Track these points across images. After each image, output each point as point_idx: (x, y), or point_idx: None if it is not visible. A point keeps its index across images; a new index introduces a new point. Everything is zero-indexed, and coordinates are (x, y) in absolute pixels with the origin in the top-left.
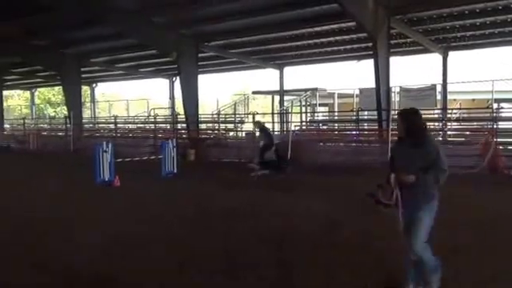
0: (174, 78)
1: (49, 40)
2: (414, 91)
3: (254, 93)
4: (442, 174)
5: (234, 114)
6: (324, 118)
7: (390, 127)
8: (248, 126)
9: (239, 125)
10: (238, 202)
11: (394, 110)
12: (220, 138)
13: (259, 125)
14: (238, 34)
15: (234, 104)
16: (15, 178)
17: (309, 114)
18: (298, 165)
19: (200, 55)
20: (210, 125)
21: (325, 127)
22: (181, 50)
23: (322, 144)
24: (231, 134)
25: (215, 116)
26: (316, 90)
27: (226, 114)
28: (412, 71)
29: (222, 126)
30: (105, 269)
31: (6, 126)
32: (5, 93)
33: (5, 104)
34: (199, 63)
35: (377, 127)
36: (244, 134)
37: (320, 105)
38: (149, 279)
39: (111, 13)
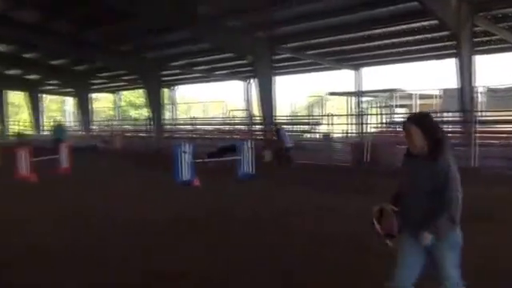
0: (250, 80)
1: (131, 46)
2: (501, 91)
3: (329, 94)
4: (454, 204)
5: (310, 116)
6: (403, 119)
7: (475, 129)
8: (324, 128)
9: (315, 126)
10: (313, 204)
11: (480, 111)
12: (296, 139)
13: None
14: (313, 36)
15: (310, 105)
16: (101, 177)
17: (387, 116)
18: (376, 167)
19: (275, 57)
20: (286, 126)
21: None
22: (256, 53)
23: (400, 146)
24: (307, 135)
25: (291, 117)
26: (394, 90)
27: (301, 116)
28: (498, 70)
29: (298, 127)
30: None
31: (94, 127)
32: (92, 96)
33: (92, 106)
34: (274, 65)
35: (460, 129)
36: (320, 136)
37: (399, 106)
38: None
39: (189, 19)
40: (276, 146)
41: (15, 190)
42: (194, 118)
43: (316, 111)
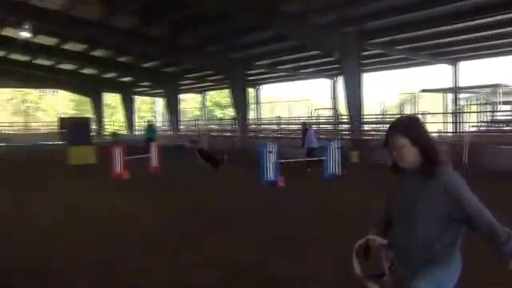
0: (336, 78)
1: (219, 46)
2: None
3: (422, 91)
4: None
5: (401, 114)
6: (508, 117)
7: None
8: None
9: None
10: None
11: None
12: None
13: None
14: (404, 29)
15: (401, 104)
16: (189, 176)
17: (488, 114)
18: (475, 169)
19: (363, 53)
20: (375, 125)
21: (509, 128)
22: (343, 50)
23: (504, 147)
24: None
25: (380, 116)
26: (498, 86)
27: (391, 114)
28: None
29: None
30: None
31: (181, 127)
32: (180, 96)
33: (180, 107)
34: (362, 61)
35: None
36: None
37: (502, 103)
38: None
39: (275, 17)
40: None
41: (113, 187)
42: (278, 117)
43: (408, 109)
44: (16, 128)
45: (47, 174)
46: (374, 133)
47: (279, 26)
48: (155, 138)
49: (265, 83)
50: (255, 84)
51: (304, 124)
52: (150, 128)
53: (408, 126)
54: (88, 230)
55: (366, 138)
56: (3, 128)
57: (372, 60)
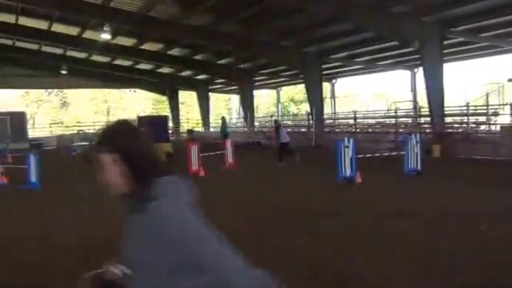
0: (416, 69)
1: (293, 41)
2: None
3: (509, 80)
4: None
5: (487, 106)
6: None
7: None
8: (504, 119)
9: (492, 117)
10: (491, 206)
11: None
12: (470, 132)
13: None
14: (490, 15)
15: (486, 94)
16: (265, 173)
17: None
18: None
19: (445, 42)
20: (458, 118)
21: None
22: (423, 39)
23: None
24: (483, 127)
25: (463, 108)
26: None
27: (476, 106)
28: None
29: (472, 118)
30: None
31: (256, 123)
32: (254, 92)
33: (254, 103)
34: (444, 51)
35: None
36: (499, 128)
37: None
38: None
39: (352, 8)
40: (276, 143)
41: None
42: (355, 111)
43: (494, 100)
44: (98, 127)
45: None
46: (457, 126)
47: (356, 17)
48: (227, 132)
49: (340, 77)
50: (331, 78)
51: (276, 121)
52: (224, 123)
53: (111, 135)
54: None
55: (448, 130)
56: (86, 127)
57: (454, 49)
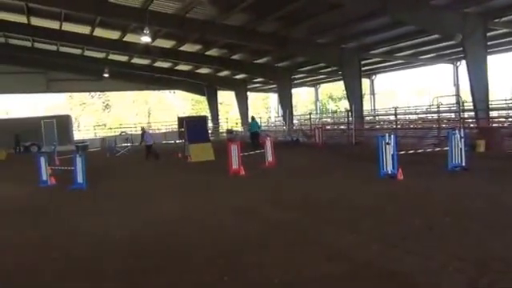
0: (459, 63)
1: (331, 37)
2: None
3: None
4: None
5: None
6: None
7: None
8: None
9: None
10: None
11: None
12: None
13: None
14: None
15: None
16: (305, 171)
17: None
18: None
19: (489, 34)
20: (504, 112)
21: None
22: (466, 31)
23: None
24: None
25: (510, 101)
26: None
27: None
28: None
29: None
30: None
31: (295, 121)
32: (293, 90)
33: (293, 101)
34: (488, 43)
35: None
36: None
37: None
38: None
39: (390, 2)
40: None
41: (231, 183)
42: (395, 107)
43: None
44: (139, 128)
45: (170, 171)
46: (503, 120)
47: (395, 11)
48: (258, 130)
49: (380, 72)
50: (370, 74)
51: (142, 128)
52: (253, 122)
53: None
54: (210, 222)
55: (493, 125)
56: (128, 129)
57: (499, 40)
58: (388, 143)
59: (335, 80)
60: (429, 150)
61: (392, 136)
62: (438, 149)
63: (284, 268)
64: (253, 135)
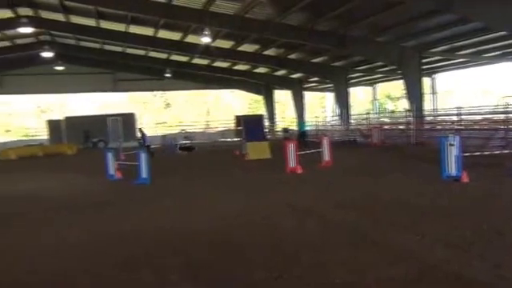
0: None
1: (390, 35)
2: None
3: None
4: None
5: None
6: None
7: None
8: None
9: None
10: None
11: None
12: None
13: None
14: None
15: None
16: (363, 171)
17: None
18: None
19: None
20: None
21: None
22: None
23: None
24: None
25: None
26: None
27: None
28: None
29: None
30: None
31: (352, 121)
32: (350, 90)
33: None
34: None
35: None
36: None
37: None
38: None
39: None
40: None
41: (289, 181)
42: (458, 107)
43: None
44: (198, 127)
45: (229, 168)
46: None
47: (459, 7)
48: (306, 130)
49: (441, 71)
50: (430, 73)
51: (140, 129)
52: (301, 123)
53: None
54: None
55: None
56: (188, 127)
57: None
58: (451, 144)
59: (393, 79)
60: (496, 151)
61: (456, 137)
62: (506, 151)
63: (345, 268)
64: (301, 135)
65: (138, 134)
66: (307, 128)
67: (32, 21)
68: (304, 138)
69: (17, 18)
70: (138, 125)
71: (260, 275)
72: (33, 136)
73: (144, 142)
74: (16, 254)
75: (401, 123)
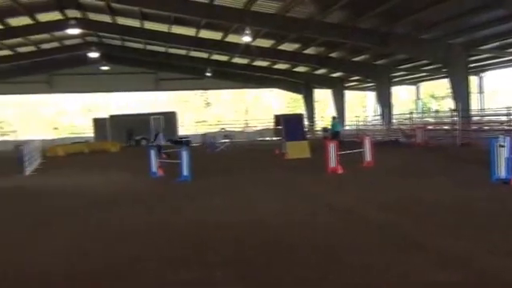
0: None
1: (436, 32)
2: None
3: None
4: None
5: None
6: None
7: None
8: None
9: None
10: None
11: None
12: None
13: None
14: None
15: None
16: (407, 172)
17: None
18: None
19: None
20: None
21: None
22: None
23: None
24: None
25: None
26: None
27: None
28: None
29: None
30: None
31: (394, 120)
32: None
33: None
34: None
35: None
36: None
37: None
38: None
39: None
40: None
41: (330, 181)
42: (508, 107)
43: None
44: (237, 125)
45: (269, 168)
46: None
47: (510, 2)
48: (340, 130)
49: (489, 69)
50: (478, 71)
51: (156, 130)
52: (335, 122)
53: None
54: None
55: None
56: (227, 126)
57: None
58: (502, 145)
59: (438, 78)
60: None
61: (507, 138)
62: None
63: (390, 271)
64: (334, 135)
65: (161, 136)
66: (340, 128)
67: (80, 22)
68: (338, 138)
69: (65, 20)
70: (179, 123)
71: (303, 275)
72: (79, 133)
73: (157, 142)
74: (93, 237)
75: (446, 123)
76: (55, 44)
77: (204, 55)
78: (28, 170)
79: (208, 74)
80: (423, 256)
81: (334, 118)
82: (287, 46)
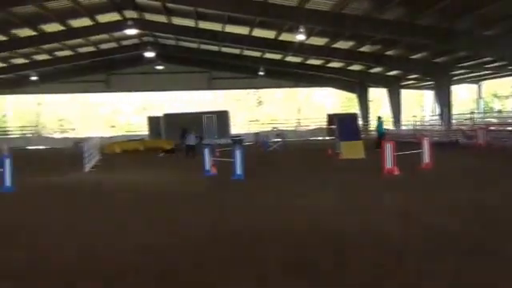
0: None
1: (502, 28)
2: None
3: None
4: None
5: None
6: None
7: None
8: None
9: None
10: None
11: None
12: None
13: None
14: None
15: None
16: (466, 175)
17: None
18: None
19: None
20: None
21: None
22: None
23: None
24: None
25: None
26: None
27: None
28: None
29: None
30: None
31: (453, 121)
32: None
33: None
34: None
35: None
36: None
37: None
38: None
39: None
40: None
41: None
42: None
43: None
44: (289, 125)
45: (322, 168)
46: None
47: None
48: (384, 131)
49: None
50: None
51: (183, 128)
52: (380, 122)
53: None
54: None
55: None
56: (280, 125)
57: None
58: None
59: (502, 76)
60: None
61: None
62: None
63: (456, 280)
64: (380, 136)
65: (192, 134)
66: (383, 129)
67: (137, 23)
68: (381, 139)
69: (123, 21)
70: (232, 122)
71: (360, 278)
72: (134, 132)
73: (188, 142)
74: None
75: (510, 124)
76: (113, 44)
77: (257, 54)
78: (87, 167)
79: (261, 73)
80: (497, 265)
81: (379, 118)
82: (342, 44)
